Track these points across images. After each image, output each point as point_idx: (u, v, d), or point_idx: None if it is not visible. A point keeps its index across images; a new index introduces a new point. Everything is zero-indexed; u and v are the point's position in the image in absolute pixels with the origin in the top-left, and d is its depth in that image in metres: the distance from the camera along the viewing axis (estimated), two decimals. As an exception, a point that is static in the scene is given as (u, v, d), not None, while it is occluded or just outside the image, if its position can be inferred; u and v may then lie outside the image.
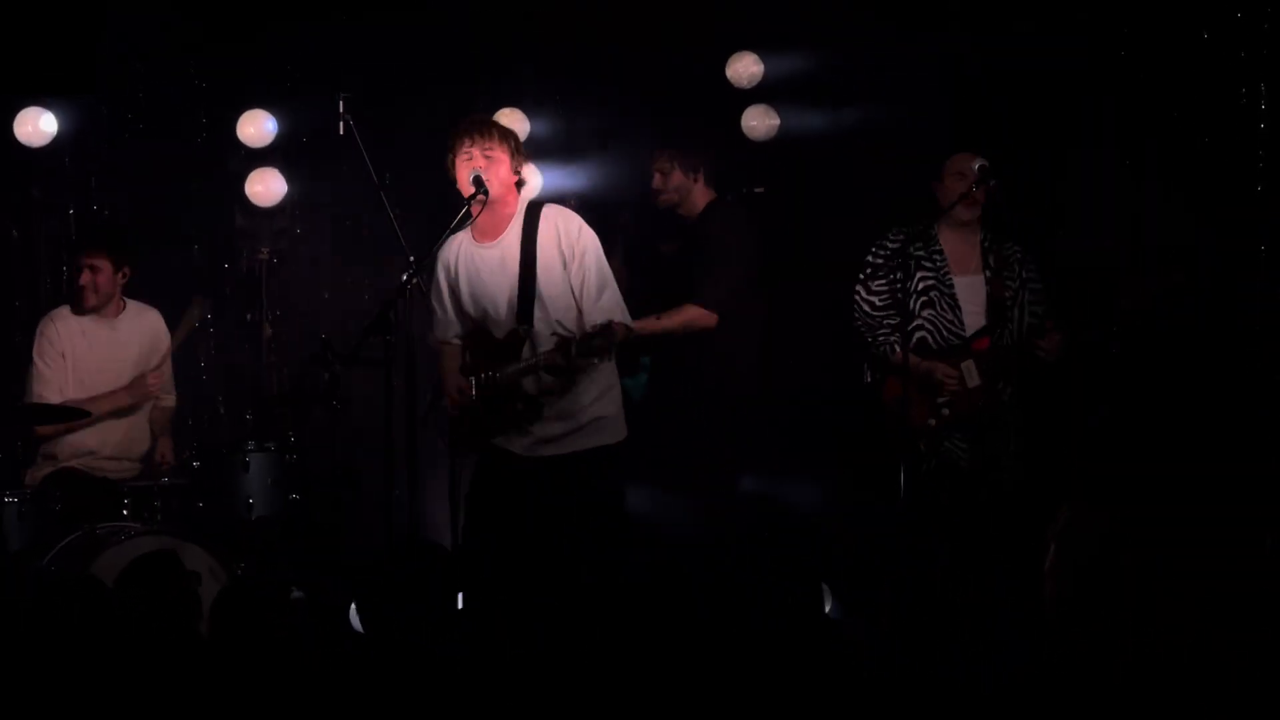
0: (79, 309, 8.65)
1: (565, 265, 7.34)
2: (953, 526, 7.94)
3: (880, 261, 8.11)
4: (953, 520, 7.96)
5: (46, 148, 9.54)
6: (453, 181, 7.39)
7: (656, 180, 8.83)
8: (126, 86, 9.75)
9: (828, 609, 8.21)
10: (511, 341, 7.36)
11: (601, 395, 7.43)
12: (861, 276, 8.17)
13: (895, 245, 8.06)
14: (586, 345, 7.03)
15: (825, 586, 8.22)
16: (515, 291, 7.35)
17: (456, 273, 7.44)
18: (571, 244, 7.36)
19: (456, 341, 7.53)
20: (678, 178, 8.79)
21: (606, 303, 7.32)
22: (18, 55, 9.20)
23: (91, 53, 9.29)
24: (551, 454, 7.39)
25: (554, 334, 7.16)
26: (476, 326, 7.46)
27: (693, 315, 8.52)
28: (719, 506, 8.75)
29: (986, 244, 8.16)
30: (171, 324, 8.87)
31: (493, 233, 7.41)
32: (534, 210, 7.44)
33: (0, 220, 9.73)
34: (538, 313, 7.33)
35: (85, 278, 8.60)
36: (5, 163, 9.60)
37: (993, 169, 7.92)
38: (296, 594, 7.72)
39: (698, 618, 5.80)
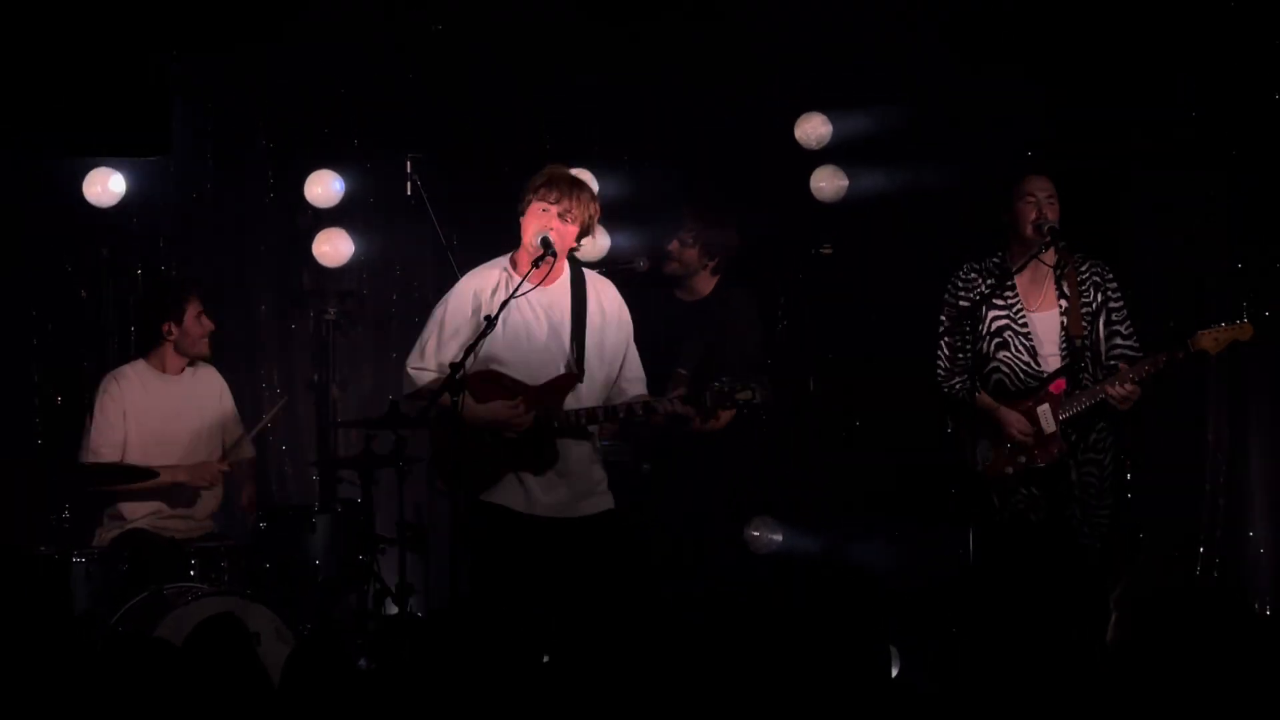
0: (188, 353, 8.63)
1: (604, 332, 7.38)
2: (1022, 583, 7.69)
3: (952, 302, 7.95)
4: (1022, 577, 7.70)
5: (115, 208, 9.57)
6: (517, 214, 7.36)
7: (674, 246, 8.75)
8: (195, 147, 9.79)
9: (895, 671, 8.14)
10: (561, 386, 7.32)
11: (600, 461, 7.49)
12: (944, 321, 7.97)
13: (966, 285, 7.92)
14: (724, 396, 7.17)
15: (893, 648, 8.15)
16: (568, 341, 7.33)
17: (494, 305, 7.25)
18: (618, 313, 7.46)
19: (438, 373, 7.32)
20: (692, 255, 8.72)
21: (639, 374, 7.49)
22: (89, 117, 9.23)
23: (164, 115, 9.30)
24: (580, 515, 7.38)
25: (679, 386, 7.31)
26: (486, 367, 7.30)
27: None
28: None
29: (1059, 271, 7.87)
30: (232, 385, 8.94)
31: (544, 279, 7.33)
32: (579, 269, 7.48)
33: (69, 280, 9.76)
34: (587, 366, 7.36)
35: (205, 326, 8.62)
36: (74, 223, 9.63)
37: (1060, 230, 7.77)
38: (362, 663, 7.72)
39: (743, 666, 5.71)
